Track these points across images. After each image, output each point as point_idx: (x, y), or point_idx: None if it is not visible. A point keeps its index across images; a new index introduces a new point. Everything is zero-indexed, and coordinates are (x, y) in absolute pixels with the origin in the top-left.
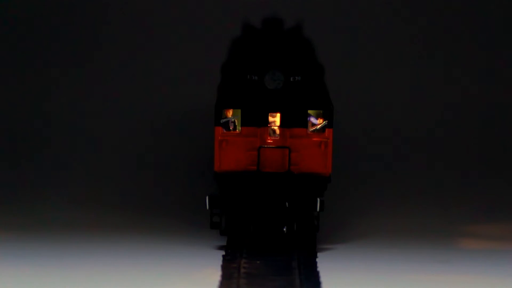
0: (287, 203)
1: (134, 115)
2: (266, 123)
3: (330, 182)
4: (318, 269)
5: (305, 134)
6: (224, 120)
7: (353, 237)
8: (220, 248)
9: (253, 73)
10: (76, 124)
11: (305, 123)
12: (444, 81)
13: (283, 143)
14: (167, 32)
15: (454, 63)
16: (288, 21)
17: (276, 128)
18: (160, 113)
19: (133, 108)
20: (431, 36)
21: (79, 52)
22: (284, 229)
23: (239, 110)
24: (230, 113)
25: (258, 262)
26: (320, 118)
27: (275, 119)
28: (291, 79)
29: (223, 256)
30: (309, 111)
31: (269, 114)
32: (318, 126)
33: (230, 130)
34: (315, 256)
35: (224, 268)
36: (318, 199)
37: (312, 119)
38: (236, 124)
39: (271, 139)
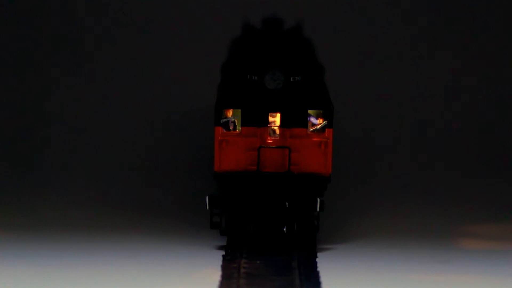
0: (287, 203)
1: (134, 115)
2: (266, 123)
3: (330, 182)
4: (318, 269)
5: (305, 134)
6: (224, 120)
7: (353, 237)
8: (220, 248)
9: (253, 73)
10: (76, 124)
11: (305, 123)
12: (444, 81)
13: (283, 143)
14: (167, 32)
15: (454, 63)
16: (288, 21)
17: (276, 128)
18: (160, 113)
19: (133, 108)
20: (431, 36)
21: (79, 52)
22: (284, 229)
23: (239, 110)
24: (230, 113)
25: (258, 262)
26: (320, 118)
27: (275, 119)
28: (291, 79)
29: (223, 256)
30: (309, 111)
31: (269, 114)
32: (318, 126)
33: (230, 130)
34: (315, 256)
35: (224, 268)
36: (318, 199)
37: (312, 119)
38: (236, 124)
39: (271, 139)
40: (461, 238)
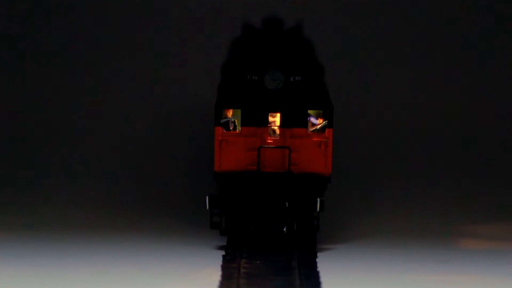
0: (287, 203)
1: (134, 115)
2: (266, 123)
3: (330, 182)
4: (318, 269)
5: (305, 134)
6: (224, 120)
7: (353, 237)
8: (220, 248)
9: (253, 73)
10: (76, 124)
11: (305, 123)
12: (444, 81)
13: (283, 143)
14: (167, 32)
15: (454, 63)
16: (288, 21)
17: (276, 128)
18: (160, 113)
19: (133, 108)
20: (431, 36)
21: (79, 52)
22: (284, 229)
23: (239, 110)
24: (230, 113)
25: (258, 262)
26: (320, 118)
27: (275, 119)
28: (291, 79)
29: (223, 256)
30: (309, 111)
31: (269, 114)
32: (318, 126)
33: (230, 130)
34: (315, 256)
35: (224, 268)
36: (318, 199)
37: (312, 119)
38: (236, 124)
39: (271, 139)
40: (461, 238)
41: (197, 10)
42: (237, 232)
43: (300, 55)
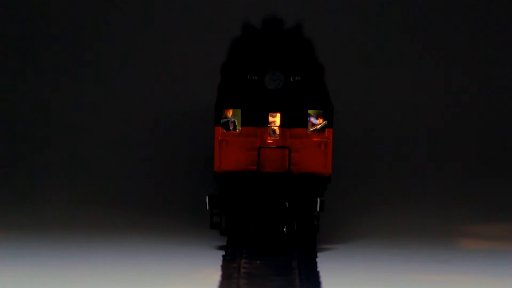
0: (287, 203)
1: (134, 115)
2: (266, 123)
3: (330, 182)
4: (318, 269)
5: (305, 134)
6: (224, 120)
7: (353, 237)
8: (220, 248)
9: (253, 73)
10: (76, 124)
11: (305, 123)
12: (444, 81)
13: (283, 143)
14: (167, 32)
15: (454, 63)
16: (288, 21)
17: (276, 128)
18: (160, 113)
19: (133, 108)
20: (431, 36)
21: (79, 52)
22: (284, 229)
23: (239, 110)
24: (230, 113)
25: (258, 262)
26: (320, 118)
27: (275, 119)
28: (291, 79)
29: (223, 256)
30: (309, 111)
31: (269, 114)
32: (318, 126)
33: (230, 130)
34: (315, 256)
35: (224, 268)
36: (318, 199)
37: (312, 119)
38: (236, 124)
39: (271, 139)
40: (461, 238)
41: (197, 10)
42: (237, 232)
43: (300, 55)
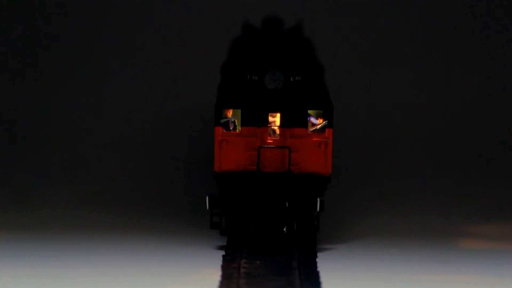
0: (287, 203)
1: (134, 115)
2: (266, 123)
3: (330, 182)
4: (318, 269)
5: (305, 134)
6: (224, 120)
7: (353, 237)
8: (220, 248)
9: (253, 73)
10: (76, 124)
11: (305, 123)
12: (444, 81)
13: (283, 143)
14: (167, 32)
15: (454, 63)
16: (288, 21)
17: (276, 128)
18: (160, 113)
19: (133, 108)
20: (431, 36)
21: (79, 52)
22: (284, 229)
23: (239, 110)
24: (230, 113)
25: (258, 262)
26: (320, 118)
27: (275, 119)
28: (291, 79)
29: (223, 256)
30: (309, 111)
31: (269, 114)
32: (318, 126)
33: (230, 130)
34: (315, 256)
35: (224, 268)
36: (318, 199)
37: (312, 119)
38: (236, 124)
39: (271, 139)
40: (461, 238)
41: (197, 10)
42: (237, 232)
43: (300, 55)
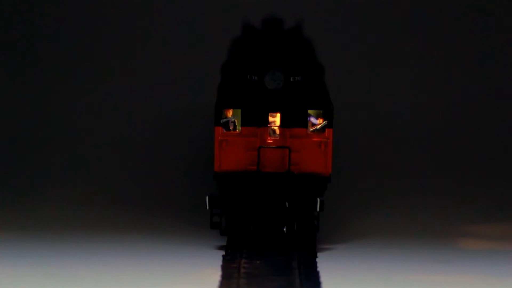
0: (287, 203)
1: (134, 115)
2: (266, 123)
3: (330, 182)
4: (318, 269)
5: (305, 134)
6: (224, 120)
7: (353, 237)
8: (220, 248)
9: (253, 73)
10: (76, 124)
11: (305, 123)
12: (444, 81)
13: (283, 143)
14: (167, 32)
15: (454, 63)
16: (288, 21)
17: (276, 128)
18: (160, 113)
19: (133, 108)
20: (431, 36)
21: (79, 52)
22: (284, 229)
23: (239, 110)
24: (230, 113)
25: (258, 262)
26: (320, 118)
27: (275, 119)
28: (291, 79)
29: (223, 256)
30: (309, 111)
31: (269, 114)
32: (318, 126)
33: (230, 130)
34: (315, 256)
35: (224, 268)
36: (318, 199)
37: (312, 119)
38: (236, 124)
39: (271, 139)
40: (461, 238)
41: (197, 10)
42: (237, 232)
43: (300, 55)
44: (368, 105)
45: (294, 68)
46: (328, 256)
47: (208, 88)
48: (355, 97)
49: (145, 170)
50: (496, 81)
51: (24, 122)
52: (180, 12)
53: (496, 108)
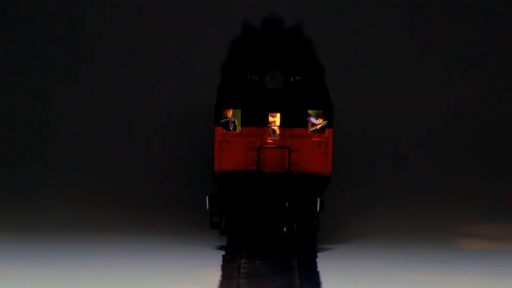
0: (287, 203)
1: (134, 115)
2: (266, 123)
3: (330, 182)
4: (318, 269)
5: (305, 134)
6: (224, 120)
7: (353, 237)
8: (220, 248)
9: (253, 73)
10: (76, 124)
11: (305, 123)
12: (444, 81)
13: (283, 143)
14: (167, 32)
15: (454, 63)
16: (288, 21)
17: (276, 128)
18: (160, 113)
19: (133, 108)
20: (431, 36)
21: (79, 52)
22: (284, 229)
23: (239, 110)
24: (230, 113)
25: (258, 262)
26: (320, 118)
27: (275, 119)
28: (291, 79)
29: (223, 256)
30: (309, 111)
31: (269, 114)
32: (318, 126)
33: (230, 130)
34: (315, 256)
35: (224, 268)
36: (318, 199)
37: (312, 119)
38: (236, 124)
39: (271, 139)
40: (461, 238)
41: (197, 10)
42: (237, 232)
43: (300, 55)
44: (368, 105)
45: (294, 68)
46: (328, 256)
47: (208, 88)
48: (355, 97)
49: (145, 170)
50: (496, 81)
51: (24, 122)
52: (180, 12)
53: (496, 108)
